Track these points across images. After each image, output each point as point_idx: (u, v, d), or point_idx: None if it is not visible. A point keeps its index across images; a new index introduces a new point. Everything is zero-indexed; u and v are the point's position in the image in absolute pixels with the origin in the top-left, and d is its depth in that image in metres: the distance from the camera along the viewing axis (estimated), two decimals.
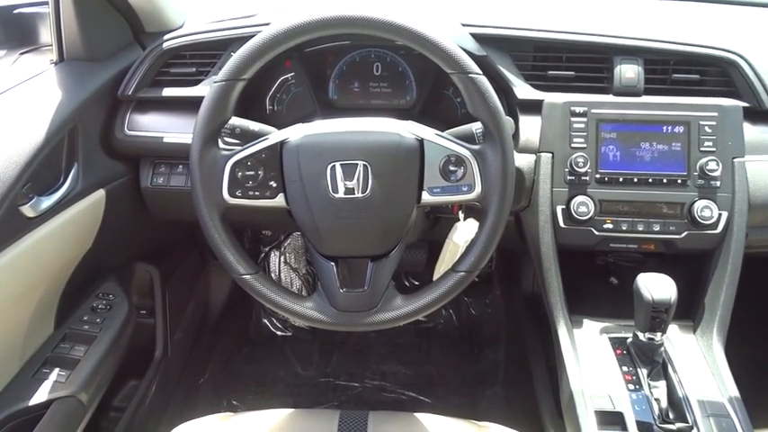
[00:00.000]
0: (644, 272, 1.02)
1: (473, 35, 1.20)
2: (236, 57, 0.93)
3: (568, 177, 1.15)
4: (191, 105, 1.18)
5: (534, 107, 1.19)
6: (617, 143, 1.15)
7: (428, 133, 0.96)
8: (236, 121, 1.01)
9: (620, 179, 1.15)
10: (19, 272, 1.05)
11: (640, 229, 1.15)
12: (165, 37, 1.27)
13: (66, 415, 1.12)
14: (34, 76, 1.21)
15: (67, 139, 1.15)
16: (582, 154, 1.14)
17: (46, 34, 1.42)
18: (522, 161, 1.18)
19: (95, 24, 1.25)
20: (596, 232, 1.16)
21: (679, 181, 1.14)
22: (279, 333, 2.07)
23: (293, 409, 1.08)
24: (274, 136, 0.97)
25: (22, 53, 1.38)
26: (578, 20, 1.25)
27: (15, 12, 1.48)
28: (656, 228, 1.15)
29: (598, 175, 1.15)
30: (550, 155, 1.16)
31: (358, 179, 0.93)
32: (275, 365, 1.94)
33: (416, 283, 2.11)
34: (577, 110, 1.16)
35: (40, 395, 1.11)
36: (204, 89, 1.23)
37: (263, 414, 1.07)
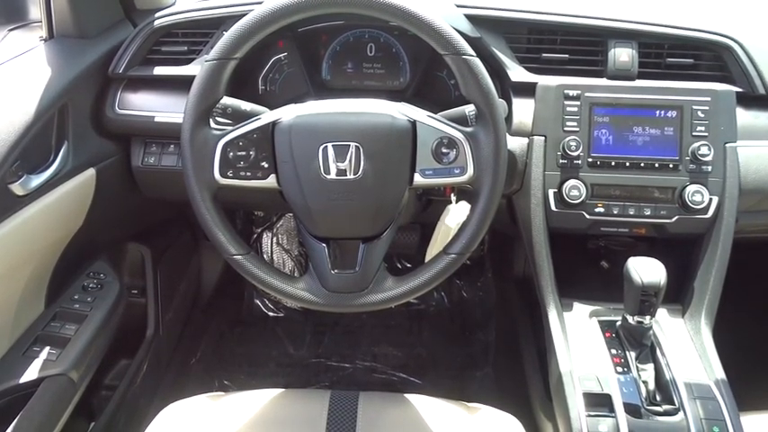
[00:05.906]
0: (634, 256, 1.03)
1: (467, 16, 1.20)
2: (228, 35, 0.92)
3: (561, 161, 1.15)
4: (182, 84, 1.16)
5: (528, 90, 1.19)
6: (610, 127, 1.15)
7: (421, 115, 0.95)
8: (227, 100, 1.00)
9: (613, 163, 1.15)
10: (8, 250, 1.05)
11: (631, 213, 1.15)
12: (157, 15, 1.25)
13: (56, 393, 1.12)
14: (23, 53, 1.20)
15: (57, 117, 1.14)
16: (575, 137, 1.14)
17: (35, 10, 1.40)
18: (515, 144, 1.17)
19: (86, 1, 1.23)
20: (588, 216, 1.16)
21: (671, 165, 1.14)
22: (271, 314, 2.08)
23: (284, 389, 1.08)
24: (266, 116, 0.96)
25: (11, 29, 1.36)
26: (573, 2, 1.24)
27: None
28: (647, 212, 1.15)
29: (590, 159, 1.15)
30: (543, 138, 1.16)
31: (350, 160, 0.92)
32: (267, 346, 1.95)
33: (408, 265, 2.11)
34: (571, 93, 1.16)
35: (31, 373, 1.11)
36: (196, 68, 1.22)
37: (255, 394, 1.07)
